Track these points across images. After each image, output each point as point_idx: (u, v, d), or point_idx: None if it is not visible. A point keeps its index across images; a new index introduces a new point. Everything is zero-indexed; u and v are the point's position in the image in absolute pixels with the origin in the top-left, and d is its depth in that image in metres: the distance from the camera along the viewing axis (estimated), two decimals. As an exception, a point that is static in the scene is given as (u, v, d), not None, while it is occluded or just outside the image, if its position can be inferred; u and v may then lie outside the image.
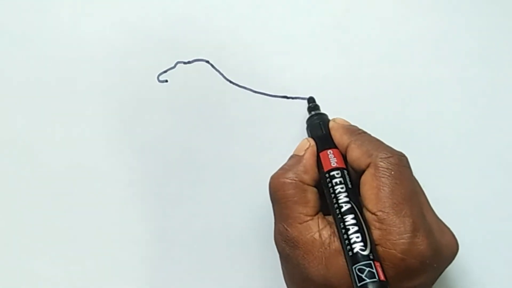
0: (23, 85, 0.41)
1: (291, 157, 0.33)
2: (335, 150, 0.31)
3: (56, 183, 0.38)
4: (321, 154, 0.31)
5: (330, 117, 0.36)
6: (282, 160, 0.38)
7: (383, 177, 0.28)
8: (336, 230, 0.29)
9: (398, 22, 0.41)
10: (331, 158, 0.31)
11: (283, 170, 0.31)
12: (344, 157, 0.31)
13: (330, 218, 0.30)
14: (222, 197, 0.37)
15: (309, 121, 0.35)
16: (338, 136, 0.32)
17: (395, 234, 0.27)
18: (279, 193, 0.30)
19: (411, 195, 0.28)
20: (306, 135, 0.38)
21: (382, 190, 0.28)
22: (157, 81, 0.40)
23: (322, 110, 0.37)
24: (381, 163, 0.29)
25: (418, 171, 0.36)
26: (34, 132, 0.39)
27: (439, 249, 0.28)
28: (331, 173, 0.30)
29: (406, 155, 0.33)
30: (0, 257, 0.37)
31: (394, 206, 0.27)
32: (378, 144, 0.31)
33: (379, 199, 0.28)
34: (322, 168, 0.31)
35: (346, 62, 0.40)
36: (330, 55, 0.40)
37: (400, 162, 0.29)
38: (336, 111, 0.39)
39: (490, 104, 0.39)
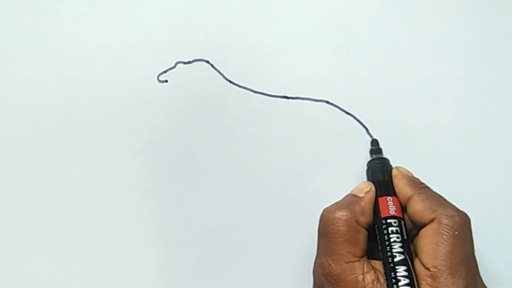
0: (23, 85, 0.41)
1: (349, 195, 0.32)
2: (394, 198, 0.31)
3: (55, 183, 0.38)
4: (380, 200, 0.31)
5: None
6: (282, 160, 0.38)
7: (445, 235, 0.28)
8: (379, 276, 0.29)
9: (398, 22, 0.41)
10: (390, 206, 0.30)
11: (339, 205, 0.31)
12: (402, 207, 0.31)
13: (374, 263, 0.30)
14: (222, 197, 0.37)
15: (370, 164, 0.34)
16: (401, 185, 0.32)
17: None
18: (331, 227, 0.30)
19: (469, 258, 0.28)
20: (307, 137, 0.38)
21: (442, 247, 0.28)
22: (157, 81, 0.40)
23: (324, 113, 0.37)
24: (446, 221, 0.29)
25: (418, 171, 0.36)
26: (34, 132, 0.39)
27: None
28: (388, 221, 0.30)
29: (406, 154, 0.34)
30: (0, 257, 0.37)
31: (451, 266, 0.27)
32: (443, 200, 0.31)
33: (437, 255, 0.28)
34: (379, 213, 0.30)
35: (346, 62, 0.40)
36: (330, 55, 0.40)
37: (465, 223, 0.29)
38: (336, 111, 0.39)
39: (490, 104, 0.39)
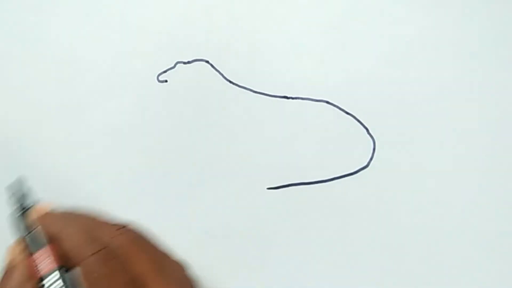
0: (23, 85, 0.41)
1: (3, 273, 0.26)
2: (44, 249, 0.26)
3: (55, 183, 0.38)
4: (30, 260, 0.26)
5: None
6: (282, 159, 0.38)
7: (91, 279, 0.24)
8: None
9: (398, 22, 0.41)
10: (42, 261, 0.25)
11: None
12: (58, 251, 0.26)
13: None
14: (222, 196, 0.37)
15: (12, 219, 0.28)
16: (46, 227, 0.26)
17: None
18: None
19: (132, 281, 0.25)
20: (307, 137, 0.38)
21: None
22: (157, 81, 0.40)
23: (324, 113, 0.37)
24: (88, 263, 0.24)
25: (418, 171, 0.36)
26: (35, 132, 0.39)
27: None
28: (48, 279, 0.25)
29: (406, 155, 0.33)
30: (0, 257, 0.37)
31: None
32: (92, 225, 0.26)
33: None
34: (38, 274, 0.25)
35: (346, 62, 0.40)
36: (330, 55, 0.40)
37: (109, 255, 0.25)
38: (336, 111, 0.39)
39: (490, 104, 0.39)
